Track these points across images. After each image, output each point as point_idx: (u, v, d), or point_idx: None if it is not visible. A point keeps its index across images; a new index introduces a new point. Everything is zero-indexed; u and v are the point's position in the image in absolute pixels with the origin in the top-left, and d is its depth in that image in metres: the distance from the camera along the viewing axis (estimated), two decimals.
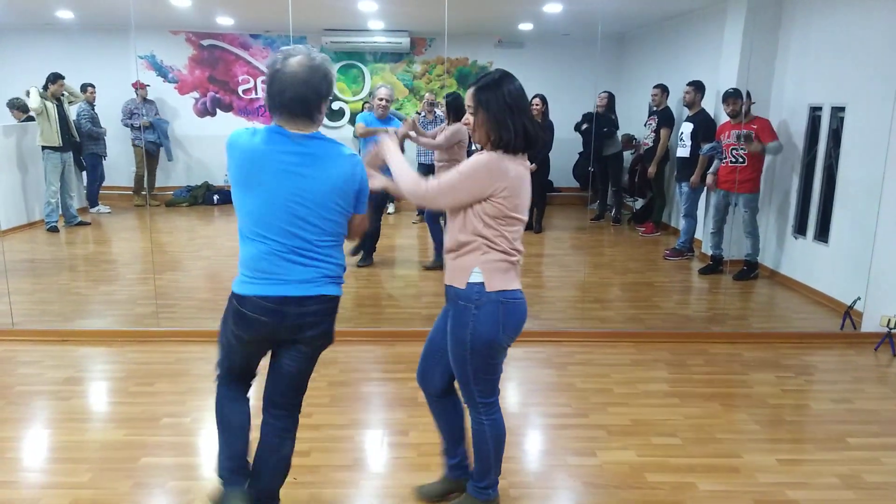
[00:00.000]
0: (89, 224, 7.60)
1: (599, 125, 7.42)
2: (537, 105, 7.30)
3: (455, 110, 5.50)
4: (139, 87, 8.46)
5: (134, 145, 8.41)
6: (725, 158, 5.73)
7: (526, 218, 2.29)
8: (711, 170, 5.99)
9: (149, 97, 8.69)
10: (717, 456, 3.00)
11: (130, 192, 8.65)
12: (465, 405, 2.42)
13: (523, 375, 3.93)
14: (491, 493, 2.47)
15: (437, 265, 5.86)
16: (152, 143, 8.53)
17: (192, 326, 4.51)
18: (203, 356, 4.04)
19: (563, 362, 4.04)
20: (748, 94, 5.59)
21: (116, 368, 3.91)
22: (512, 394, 3.71)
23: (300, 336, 2.18)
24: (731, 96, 5.62)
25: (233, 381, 2.34)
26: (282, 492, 2.70)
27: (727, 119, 5.80)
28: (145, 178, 8.48)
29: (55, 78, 7.08)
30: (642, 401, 3.54)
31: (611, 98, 7.79)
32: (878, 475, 2.87)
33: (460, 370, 2.32)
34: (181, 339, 4.28)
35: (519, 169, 2.22)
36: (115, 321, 4.72)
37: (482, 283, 2.23)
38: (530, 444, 3.15)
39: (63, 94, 7.25)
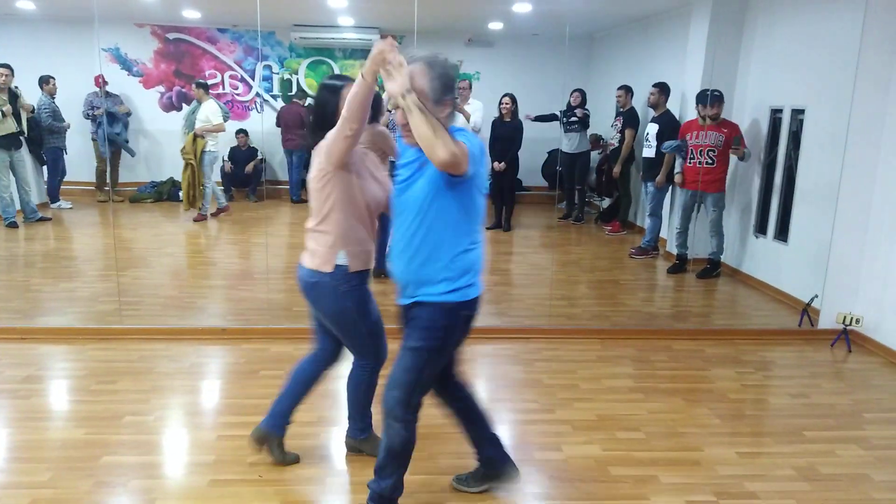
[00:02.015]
0: (50, 220, 7.42)
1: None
2: (507, 104, 7.34)
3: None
4: (102, 84, 8.26)
5: (94, 139, 8.21)
6: (694, 159, 5.76)
7: None
8: (677, 168, 6.06)
9: (113, 91, 8.51)
10: (679, 449, 3.07)
11: (92, 188, 8.46)
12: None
13: (491, 372, 3.96)
14: None
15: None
16: (116, 135, 8.34)
17: (156, 324, 4.45)
18: (167, 354, 3.99)
19: (530, 359, 4.08)
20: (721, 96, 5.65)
21: (78, 366, 3.84)
22: (480, 390, 3.73)
23: None
24: (717, 100, 5.56)
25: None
26: (247, 490, 2.70)
27: (691, 119, 5.90)
28: (108, 173, 8.31)
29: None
30: (607, 396, 3.59)
31: (583, 94, 7.80)
32: (833, 467, 2.96)
33: None
34: (145, 337, 4.22)
35: None
36: (76, 318, 4.62)
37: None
38: None
39: (15, 87, 7.03)
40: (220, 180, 8.45)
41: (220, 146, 7.85)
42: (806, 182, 5.13)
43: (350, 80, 2.41)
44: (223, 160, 8.73)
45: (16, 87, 7.07)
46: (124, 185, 8.77)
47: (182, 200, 7.65)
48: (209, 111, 7.58)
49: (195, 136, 7.53)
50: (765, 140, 5.65)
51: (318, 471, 2.81)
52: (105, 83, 8.34)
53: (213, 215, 7.82)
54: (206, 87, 7.89)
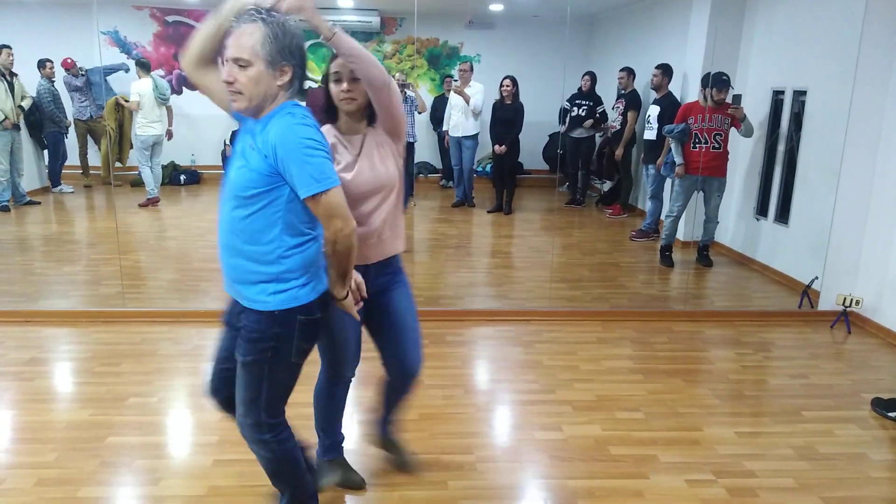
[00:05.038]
0: (38, 203, 7.38)
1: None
2: (507, 86, 7.30)
3: None
4: (69, 66, 8.09)
5: (75, 121, 8.11)
6: (700, 143, 5.66)
7: None
8: (678, 160, 5.84)
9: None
10: (678, 429, 3.09)
11: (97, 172, 8.42)
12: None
13: (492, 353, 3.99)
14: None
15: None
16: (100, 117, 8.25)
17: (158, 307, 4.47)
18: (170, 336, 4.01)
19: (530, 340, 4.10)
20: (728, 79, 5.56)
21: (81, 349, 3.86)
22: (481, 371, 3.76)
23: None
24: (727, 83, 5.47)
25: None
26: (250, 470, 2.72)
27: (691, 101, 5.85)
28: (106, 156, 8.25)
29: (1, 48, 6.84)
30: (607, 377, 3.62)
31: (593, 78, 7.71)
32: (831, 446, 2.99)
33: None
34: (148, 320, 4.24)
35: None
36: (79, 301, 4.64)
37: None
38: (499, 420, 3.21)
39: (13, 71, 7.00)
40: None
41: (157, 129, 7.69)
42: (807, 164, 5.12)
43: None
44: (224, 143, 8.69)
45: (15, 74, 7.04)
46: (127, 169, 8.75)
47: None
48: (135, 87, 7.60)
49: (115, 105, 7.56)
50: (766, 122, 5.63)
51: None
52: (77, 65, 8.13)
53: (140, 205, 7.51)
54: (144, 66, 7.87)
